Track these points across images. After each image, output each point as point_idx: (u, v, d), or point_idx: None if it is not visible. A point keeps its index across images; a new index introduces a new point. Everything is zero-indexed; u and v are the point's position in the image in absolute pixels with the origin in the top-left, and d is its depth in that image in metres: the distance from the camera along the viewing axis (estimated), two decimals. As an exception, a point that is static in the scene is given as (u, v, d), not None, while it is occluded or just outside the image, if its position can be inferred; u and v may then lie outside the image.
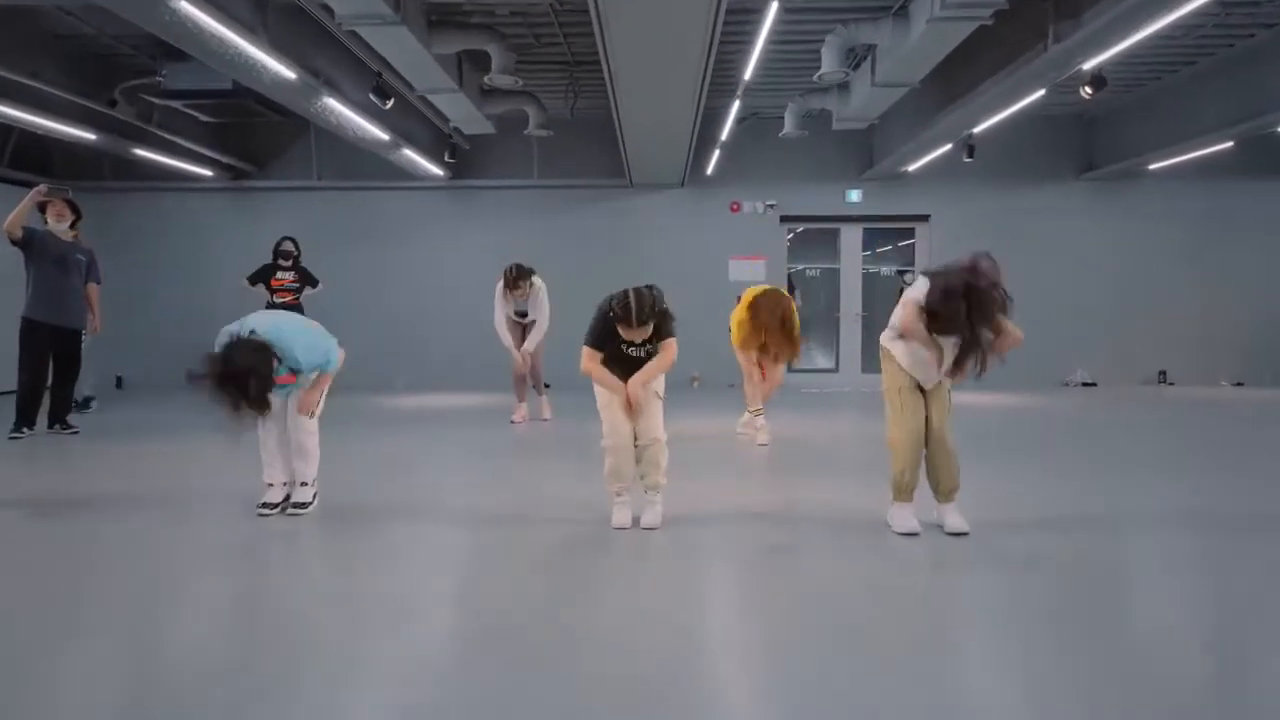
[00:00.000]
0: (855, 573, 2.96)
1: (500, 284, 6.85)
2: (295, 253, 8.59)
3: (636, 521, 3.51)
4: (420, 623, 2.50)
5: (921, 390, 3.33)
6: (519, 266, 6.80)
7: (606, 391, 3.48)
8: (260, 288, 8.33)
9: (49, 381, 6.31)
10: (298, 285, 8.55)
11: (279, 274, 8.38)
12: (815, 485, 4.50)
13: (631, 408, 3.41)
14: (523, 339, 6.98)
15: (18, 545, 3.42)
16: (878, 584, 2.83)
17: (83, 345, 6.48)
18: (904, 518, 3.32)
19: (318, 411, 3.69)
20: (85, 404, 7.71)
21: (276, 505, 3.67)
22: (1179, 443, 6.35)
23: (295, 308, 8.56)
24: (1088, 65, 6.38)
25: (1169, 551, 3.31)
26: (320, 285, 8.76)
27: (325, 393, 3.71)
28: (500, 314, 6.92)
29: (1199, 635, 2.46)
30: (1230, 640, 2.40)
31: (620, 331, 3.35)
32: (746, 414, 6.00)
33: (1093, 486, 4.41)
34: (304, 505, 3.69)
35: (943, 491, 3.35)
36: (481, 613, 2.62)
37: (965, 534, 3.25)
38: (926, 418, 3.30)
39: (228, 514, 3.74)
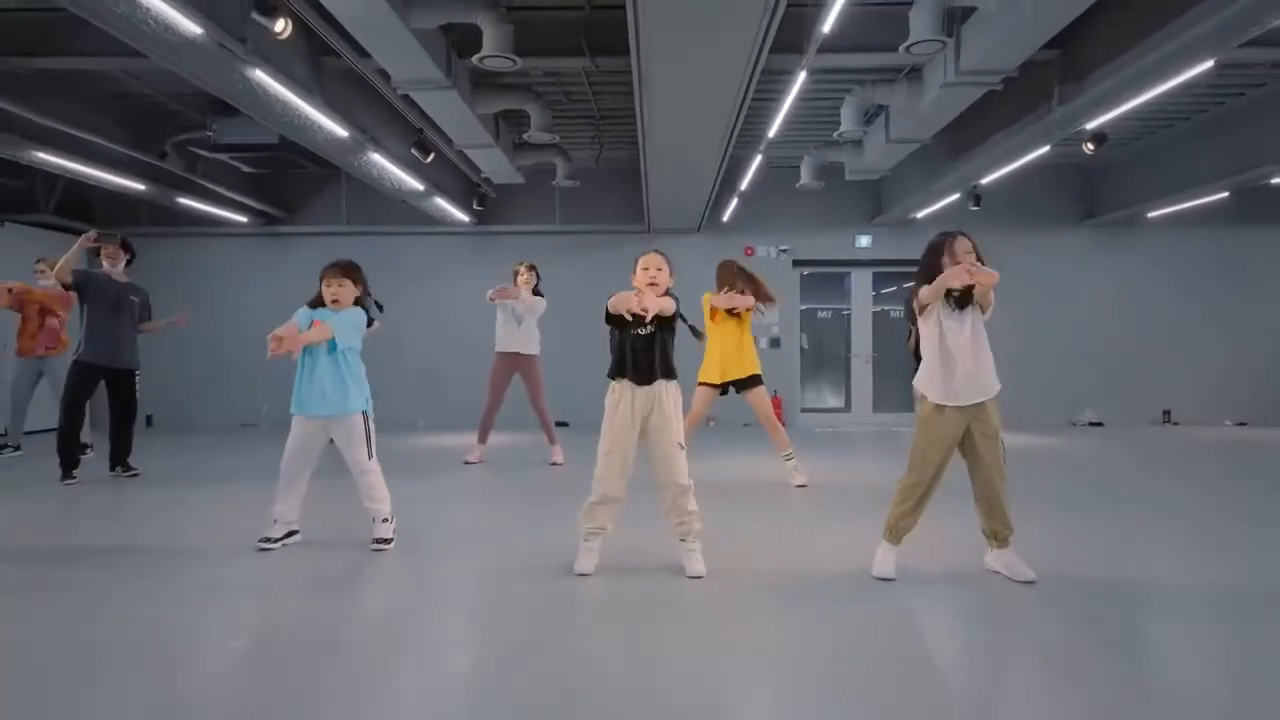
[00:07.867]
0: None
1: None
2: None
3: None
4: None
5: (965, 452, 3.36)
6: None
7: (610, 438, 3.38)
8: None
9: (84, 423, 6.31)
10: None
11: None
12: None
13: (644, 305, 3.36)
14: (505, 378, 6.93)
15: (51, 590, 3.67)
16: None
17: (136, 384, 6.69)
18: (885, 561, 3.40)
19: (374, 452, 3.97)
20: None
21: (277, 540, 3.87)
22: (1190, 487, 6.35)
23: None
24: (1090, 125, 6.78)
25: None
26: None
27: (374, 437, 3.99)
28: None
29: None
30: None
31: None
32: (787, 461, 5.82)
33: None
34: (386, 541, 3.90)
35: (1000, 538, 3.39)
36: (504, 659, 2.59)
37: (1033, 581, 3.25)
38: (979, 464, 3.33)
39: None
